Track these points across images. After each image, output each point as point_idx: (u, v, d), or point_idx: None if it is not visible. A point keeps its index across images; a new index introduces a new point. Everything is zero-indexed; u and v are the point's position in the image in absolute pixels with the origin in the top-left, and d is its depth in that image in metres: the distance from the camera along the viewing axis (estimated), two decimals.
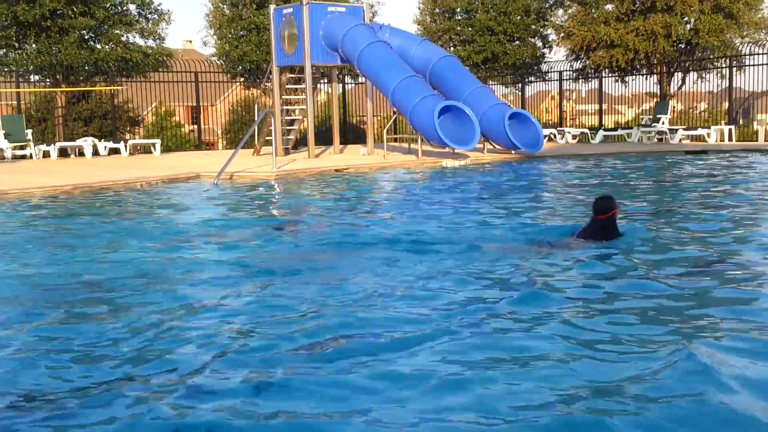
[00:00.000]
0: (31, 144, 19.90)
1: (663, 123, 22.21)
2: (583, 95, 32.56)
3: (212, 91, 26.99)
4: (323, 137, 22.60)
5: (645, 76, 25.90)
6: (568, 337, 4.16)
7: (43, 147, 20.25)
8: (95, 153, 20.68)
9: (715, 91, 25.39)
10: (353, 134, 27.07)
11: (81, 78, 22.98)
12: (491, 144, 18.78)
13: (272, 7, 19.67)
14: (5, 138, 19.36)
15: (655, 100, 25.92)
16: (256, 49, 24.32)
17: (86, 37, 22.62)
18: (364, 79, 19.95)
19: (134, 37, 23.35)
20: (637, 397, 3.28)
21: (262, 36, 23.92)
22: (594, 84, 26.74)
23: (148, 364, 3.92)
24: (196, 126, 26.43)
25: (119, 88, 23.39)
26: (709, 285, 5.30)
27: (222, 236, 7.75)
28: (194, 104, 24.65)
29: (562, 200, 10.67)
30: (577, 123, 31.09)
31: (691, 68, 24.93)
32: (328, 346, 4.13)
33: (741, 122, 24.20)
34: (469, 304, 4.89)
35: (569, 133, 24.03)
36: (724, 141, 20.93)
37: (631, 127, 24.24)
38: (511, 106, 21.20)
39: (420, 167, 16.23)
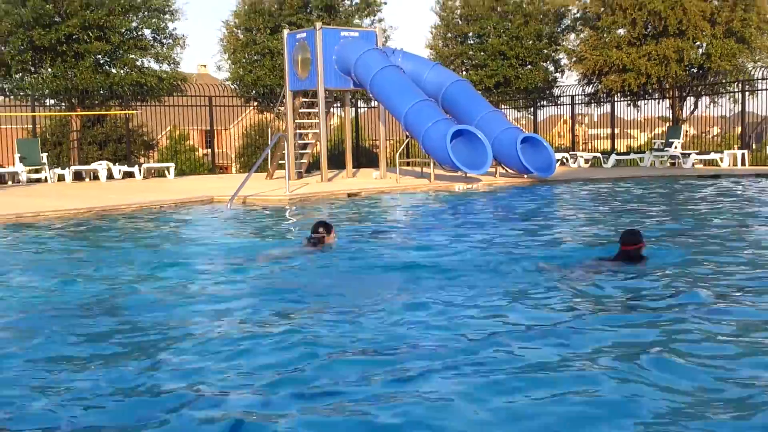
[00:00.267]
0: (46, 167, 20.04)
1: (676, 147, 22.18)
2: (596, 119, 32.50)
3: (226, 115, 27.15)
4: (336, 161, 22.65)
5: (657, 101, 25.89)
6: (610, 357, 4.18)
7: (58, 170, 20.41)
8: (110, 176, 20.82)
9: (728, 115, 25.35)
10: (366, 158, 27.11)
11: (96, 102, 23.18)
12: (504, 168, 18.78)
13: (286, 31, 19.82)
14: (21, 161, 19.51)
15: (667, 124, 25.89)
16: (269, 74, 24.49)
17: (101, 61, 22.83)
18: (376, 103, 20.04)
19: (149, 61, 23.56)
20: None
21: (276, 60, 24.10)
22: (606, 108, 26.75)
23: (165, 380, 3.92)
24: (209, 150, 26.58)
25: (134, 112, 23.58)
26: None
27: (234, 259, 7.77)
28: (208, 128, 24.78)
29: (579, 223, 10.66)
30: (590, 147, 31.07)
31: (703, 92, 24.90)
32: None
33: (754, 147, 24.13)
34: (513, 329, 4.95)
35: (582, 157, 24.01)
36: (737, 165, 20.86)
37: (644, 152, 24.19)
38: (524, 130, 21.20)
39: (433, 191, 16.24)
